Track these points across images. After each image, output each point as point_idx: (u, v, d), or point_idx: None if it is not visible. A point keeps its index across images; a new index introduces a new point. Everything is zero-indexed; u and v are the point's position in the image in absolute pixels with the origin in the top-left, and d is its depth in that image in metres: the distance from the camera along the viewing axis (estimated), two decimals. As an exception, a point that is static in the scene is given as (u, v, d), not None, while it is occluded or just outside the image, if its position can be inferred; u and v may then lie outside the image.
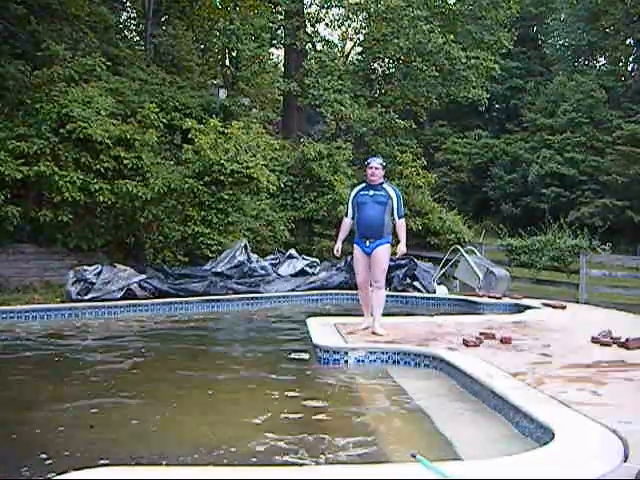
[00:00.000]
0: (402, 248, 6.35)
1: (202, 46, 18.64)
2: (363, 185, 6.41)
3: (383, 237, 6.19)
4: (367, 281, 6.36)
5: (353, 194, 6.46)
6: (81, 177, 9.65)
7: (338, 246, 6.53)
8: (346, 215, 6.56)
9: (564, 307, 8.35)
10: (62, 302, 8.41)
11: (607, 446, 2.96)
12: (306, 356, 5.74)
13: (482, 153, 27.36)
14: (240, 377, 5.11)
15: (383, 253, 6.20)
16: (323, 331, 6.13)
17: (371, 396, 4.60)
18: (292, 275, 10.49)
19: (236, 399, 4.49)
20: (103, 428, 3.78)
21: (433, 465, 2.64)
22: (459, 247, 11.60)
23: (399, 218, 6.28)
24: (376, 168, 6.26)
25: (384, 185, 6.30)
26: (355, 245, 6.37)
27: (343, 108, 15.87)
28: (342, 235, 6.56)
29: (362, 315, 6.62)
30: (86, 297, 8.42)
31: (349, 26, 20.36)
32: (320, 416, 4.05)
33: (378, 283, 6.23)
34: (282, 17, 18.08)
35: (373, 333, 6.06)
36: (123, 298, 8.57)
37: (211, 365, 5.63)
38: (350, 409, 4.21)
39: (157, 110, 10.87)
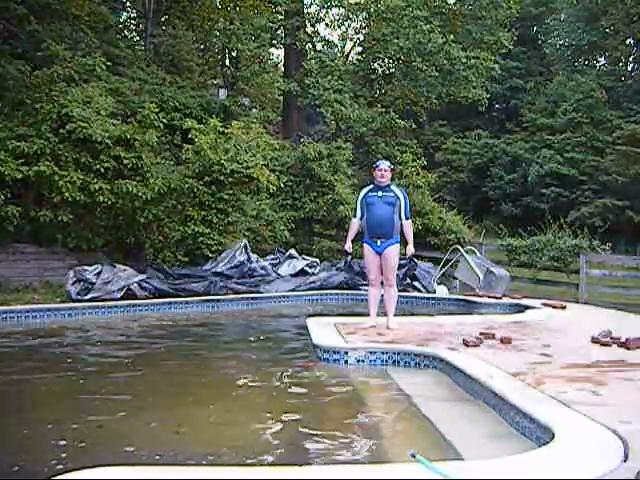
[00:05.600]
0: (411, 248, 6.66)
1: (202, 46, 18.67)
2: (371, 186, 6.64)
3: (393, 237, 6.45)
4: (378, 279, 6.58)
5: (362, 195, 6.67)
6: (81, 177, 9.65)
7: (348, 245, 6.80)
8: (354, 216, 6.80)
9: (564, 307, 8.35)
10: (62, 302, 8.42)
11: (607, 446, 2.95)
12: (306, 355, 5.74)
13: (482, 153, 27.32)
14: (240, 377, 5.11)
15: (393, 253, 6.47)
16: (323, 331, 6.13)
17: (371, 396, 4.60)
18: (292, 275, 10.49)
19: (236, 399, 4.49)
20: (109, 428, 3.78)
21: (433, 465, 2.63)
22: (459, 247, 11.59)
23: (406, 219, 6.53)
24: (385, 170, 6.51)
25: (391, 187, 6.55)
26: (365, 245, 6.57)
27: (343, 108, 15.87)
28: (351, 235, 6.79)
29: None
30: (86, 297, 8.42)
31: (349, 26, 20.36)
32: (319, 416, 4.05)
33: (389, 281, 6.55)
34: (282, 17, 18.07)
35: (388, 328, 6.31)
36: (123, 298, 8.57)
37: (211, 365, 5.63)
38: (350, 409, 4.21)
39: (157, 110, 10.86)
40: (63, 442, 3.46)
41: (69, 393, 4.65)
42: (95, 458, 3.15)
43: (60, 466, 3.09)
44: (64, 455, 3.28)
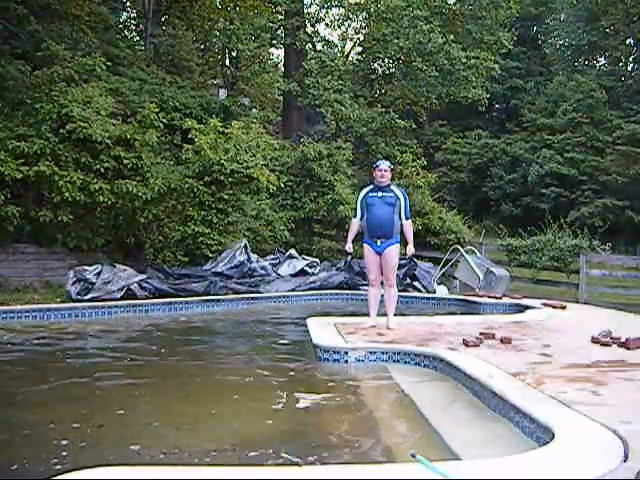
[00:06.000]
0: (411, 248, 6.67)
1: (202, 46, 18.68)
2: (371, 187, 6.65)
3: (393, 237, 6.45)
4: (378, 279, 6.59)
5: (362, 195, 6.68)
6: (81, 177, 9.64)
7: (349, 245, 6.81)
8: (354, 216, 6.80)
9: (564, 307, 8.35)
10: (62, 302, 8.41)
11: (607, 446, 2.96)
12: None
13: (482, 153, 27.33)
14: (240, 377, 5.11)
15: (393, 253, 6.48)
16: (323, 331, 6.13)
17: (371, 396, 4.60)
18: (292, 275, 10.49)
19: (236, 399, 4.49)
20: (110, 428, 3.78)
21: (433, 465, 2.64)
22: (459, 247, 11.60)
23: (406, 219, 6.54)
24: (385, 170, 6.51)
25: (391, 187, 6.56)
26: (365, 245, 6.58)
27: (343, 108, 15.87)
28: (351, 235, 6.80)
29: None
30: (86, 297, 8.41)
31: (349, 26, 20.38)
32: (319, 416, 4.05)
33: (389, 281, 6.56)
34: (282, 17, 18.08)
35: (388, 328, 6.32)
36: (123, 298, 8.57)
37: (211, 365, 5.63)
38: (349, 409, 4.21)
39: (157, 110, 10.86)
40: (64, 442, 3.46)
41: (69, 393, 4.64)
42: (97, 458, 3.15)
43: (59, 466, 3.09)
44: (65, 454, 3.28)
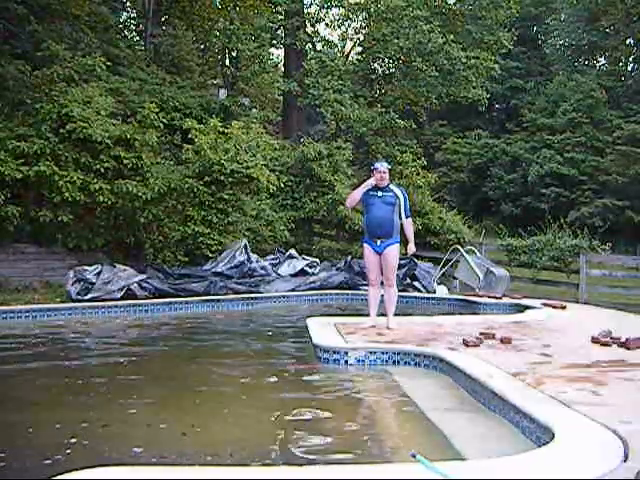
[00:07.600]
0: (412, 247, 6.70)
1: (202, 46, 18.69)
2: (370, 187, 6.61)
3: (393, 237, 6.46)
4: (378, 279, 6.60)
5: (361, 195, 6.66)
6: (81, 177, 9.64)
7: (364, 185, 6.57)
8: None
9: (564, 307, 8.35)
10: (62, 302, 8.42)
11: (607, 446, 2.95)
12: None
13: (482, 153, 27.33)
14: (240, 378, 5.11)
15: (394, 252, 6.49)
16: (323, 331, 6.12)
17: (371, 396, 4.60)
18: (292, 275, 10.50)
19: (236, 400, 4.49)
20: (113, 428, 3.78)
21: (433, 465, 2.63)
22: (459, 247, 11.60)
23: (406, 217, 6.56)
24: (384, 172, 6.52)
25: (390, 186, 6.58)
26: (365, 244, 6.61)
27: (343, 108, 15.86)
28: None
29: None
30: (86, 297, 8.42)
31: (349, 26, 20.37)
32: (319, 416, 4.05)
33: (389, 281, 6.56)
34: (282, 17, 18.07)
35: (388, 328, 6.32)
36: (123, 298, 8.58)
37: (212, 366, 5.62)
38: (350, 409, 4.21)
39: (157, 110, 10.86)
40: (64, 441, 3.46)
41: (70, 393, 4.64)
42: (100, 458, 3.15)
43: (59, 466, 3.09)
44: (65, 455, 3.28)
